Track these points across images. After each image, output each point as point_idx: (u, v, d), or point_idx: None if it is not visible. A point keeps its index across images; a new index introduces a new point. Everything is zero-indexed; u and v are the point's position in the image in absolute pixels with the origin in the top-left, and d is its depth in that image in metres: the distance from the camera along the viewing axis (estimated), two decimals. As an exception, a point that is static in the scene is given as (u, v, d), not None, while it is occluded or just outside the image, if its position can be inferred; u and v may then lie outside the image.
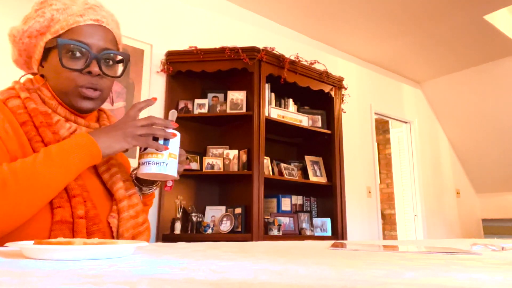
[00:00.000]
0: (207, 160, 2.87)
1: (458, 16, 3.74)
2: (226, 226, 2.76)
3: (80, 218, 0.76)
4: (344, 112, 3.53)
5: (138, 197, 0.93)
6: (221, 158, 2.90)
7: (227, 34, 3.45)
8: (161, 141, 0.83)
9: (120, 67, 0.92)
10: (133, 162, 1.07)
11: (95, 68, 0.82)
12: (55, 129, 0.83)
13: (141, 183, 0.97)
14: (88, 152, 0.75)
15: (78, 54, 0.82)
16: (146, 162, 0.82)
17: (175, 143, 0.85)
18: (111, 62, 0.87)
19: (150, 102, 0.84)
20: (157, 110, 2.95)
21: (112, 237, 0.83)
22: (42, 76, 0.88)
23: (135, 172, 0.98)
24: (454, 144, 5.52)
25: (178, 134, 0.86)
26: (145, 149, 0.83)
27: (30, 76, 0.93)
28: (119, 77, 0.90)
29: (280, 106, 3.18)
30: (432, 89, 5.28)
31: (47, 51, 0.85)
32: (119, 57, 0.90)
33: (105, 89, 0.88)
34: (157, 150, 0.80)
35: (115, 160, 0.92)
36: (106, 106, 2.74)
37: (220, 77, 3.15)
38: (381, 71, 4.89)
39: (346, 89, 3.50)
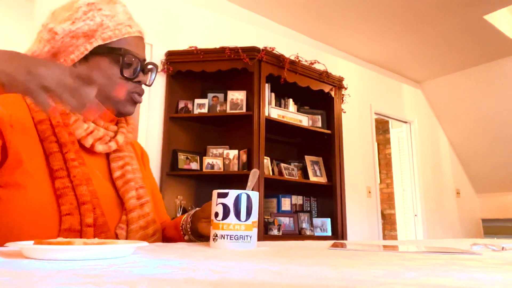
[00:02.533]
0: (207, 160, 2.87)
1: (458, 16, 3.74)
2: (226, 226, 2.75)
3: (89, 226, 0.74)
4: (344, 112, 3.53)
5: (152, 206, 0.90)
6: (221, 158, 2.90)
7: (227, 34, 3.45)
8: (243, 211, 0.71)
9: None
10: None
11: (144, 78, 0.89)
12: (71, 129, 0.81)
13: (196, 235, 0.89)
14: None
15: (129, 63, 0.86)
16: (226, 235, 0.70)
17: (256, 204, 0.72)
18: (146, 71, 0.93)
19: None
20: (157, 110, 2.96)
21: None
22: None
23: (185, 221, 0.91)
24: (454, 144, 5.52)
25: (257, 193, 0.75)
26: (224, 217, 0.71)
27: None
28: (150, 85, 0.96)
29: (280, 106, 3.18)
30: (432, 89, 5.28)
31: (90, 54, 0.84)
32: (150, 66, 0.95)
33: None
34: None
35: (131, 165, 0.90)
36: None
37: (220, 77, 3.15)
38: (381, 71, 4.89)
39: (346, 89, 3.50)
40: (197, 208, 0.91)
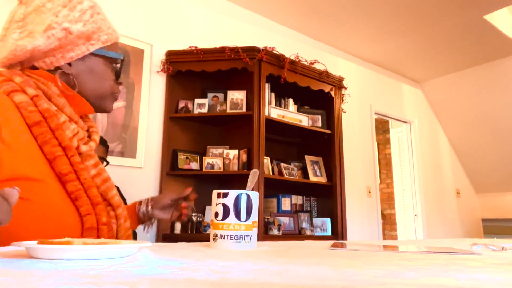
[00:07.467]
0: (207, 160, 2.87)
1: (458, 16, 3.74)
2: (226, 226, 2.75)
3: (104, 224, 0.79)
4: (344, 112, 3.53)
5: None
6: (221, 158, 2.90)
7: (227, 34, 3.45)
8: (243, 211, 0.70)
9: None
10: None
11: (122, 79, 0.99)
12: (65, 132, 0.82)
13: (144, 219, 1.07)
14: None
15: (118, 66, 0.95)
16: (226, 235, 0.69)
17: (256, 204, 0.72)
18: None
19: None
20: (157, 110, 2.96)
21: None
22: (66, 74, 0.86)
23: (145, 210, 1.07)
24: (454, 144, 5.52)
25: (257, 193, 0.74)
26: (224, 217, 0.71)
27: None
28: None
29: (280, 106, 3.17)
30: (432, 89, 5.28)
31: (88, 54, 0.89)
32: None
33: None
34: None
35: (101, 163, 0.92)
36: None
37: (220, 77, 3.15)
38: (381, 71, 4.89)
39: (346, 89, 3.50)
40: (150, 197, 1.11)
